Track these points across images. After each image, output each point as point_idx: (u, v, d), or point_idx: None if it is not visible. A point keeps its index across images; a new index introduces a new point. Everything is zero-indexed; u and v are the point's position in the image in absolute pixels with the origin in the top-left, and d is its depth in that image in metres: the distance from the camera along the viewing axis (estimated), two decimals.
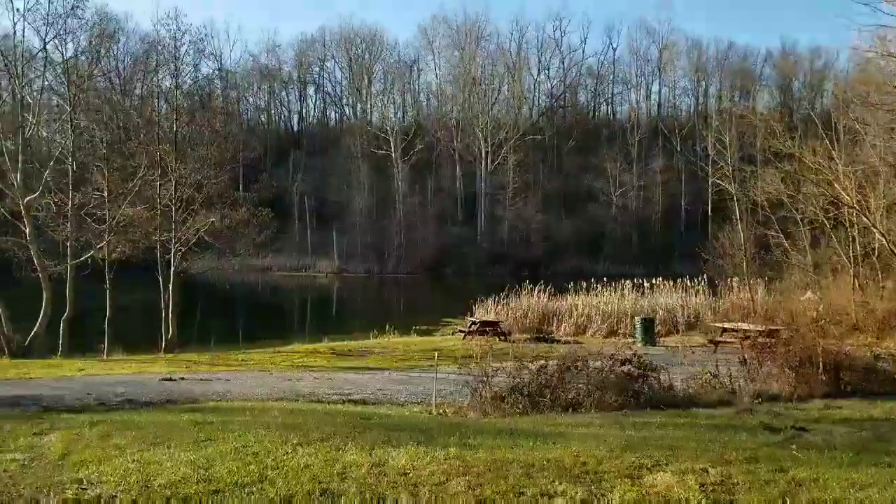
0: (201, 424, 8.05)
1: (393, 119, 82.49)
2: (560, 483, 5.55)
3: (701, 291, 29.40)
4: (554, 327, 27.46)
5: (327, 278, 65.49)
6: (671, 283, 30.15)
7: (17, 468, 6.21)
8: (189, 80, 42.00)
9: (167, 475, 5.78)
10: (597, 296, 29.49)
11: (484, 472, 5.84)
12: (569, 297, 29.82)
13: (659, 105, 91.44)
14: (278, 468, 6.00)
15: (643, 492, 5.36)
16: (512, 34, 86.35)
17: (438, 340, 23.98)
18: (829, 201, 25.58)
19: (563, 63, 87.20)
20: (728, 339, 19.22)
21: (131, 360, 19.06)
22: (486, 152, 75.27)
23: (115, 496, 5.31)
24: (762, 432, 7.53)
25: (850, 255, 24.93)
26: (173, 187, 21.49)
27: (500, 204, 72.86)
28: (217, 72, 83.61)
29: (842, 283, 25.64)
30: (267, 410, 9.66)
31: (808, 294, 23.52)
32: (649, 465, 6.05)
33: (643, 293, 29.38)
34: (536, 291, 30.28)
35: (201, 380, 13.92)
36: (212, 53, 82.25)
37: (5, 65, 21.56)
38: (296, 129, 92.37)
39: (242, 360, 18.82)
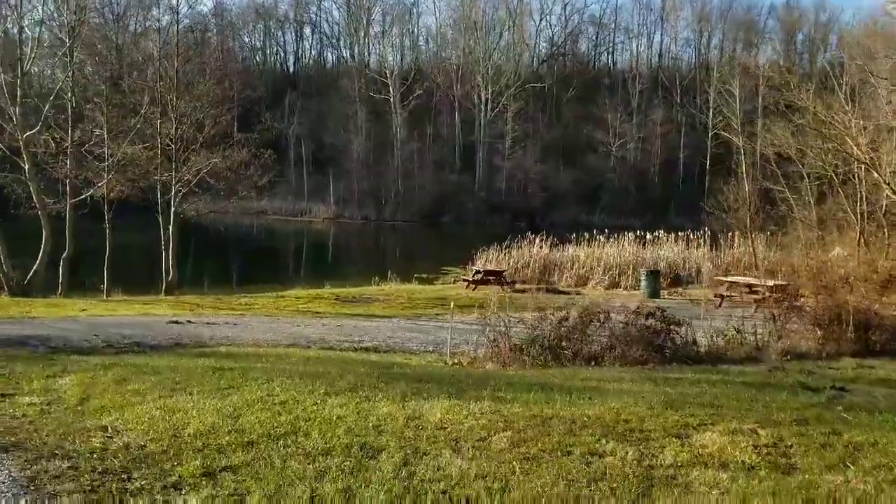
0: (220, 370, 7.80)
1: (391, 63, 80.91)
2: (607, 441, 5.33)
3: (702, 245, 29.32)
4: (556, 278, 27.32)
5: (323, 224, 65.05)
6: (672, 235, 30.01)
7: (35, 413, 5.96)
8: (187, 18, 40.94)
9: (195, 424, 5.53)
10: (598, 247, 29.31)
11: (525, 429, 5.62)
12: (569, 248, 29.64)
13: (660, 56, 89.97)
14: (310, 419, 5.76)
15: (694, 452, 5.15)
16: None
17: (442, 289, 23.81)
18: (838, 157, 25.24)
19: (564, 10, 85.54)
20: (732, 294, 19.06)
21: (133, 301, 18.79)
22: (487, 99, 74.16)
23: (145, 445, 5.06)
24: (802, 392, 7.34)
25: (857, 211, 24.68)
26: (174, 126, 20.90)
27: (499, 153, 72.11)
28: (212, 9, 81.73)
29: (847, 239, 25.48)
30: (283, 357, 9.44)
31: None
32: (695, 425, 5.84)
33: (644, 245, 29.22)
34: (537, 242, 29.97)
35: (208, 323, 13.67)
36: None
37: None
38: (291, 70, 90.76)
39: (247, 304, 18.60)
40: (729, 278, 20.20)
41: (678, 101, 78.22)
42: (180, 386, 6.94)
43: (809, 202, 29.40)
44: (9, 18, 21.38)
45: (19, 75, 20.01)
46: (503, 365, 9.78)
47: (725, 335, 10.46)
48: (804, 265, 14.63)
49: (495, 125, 73.72)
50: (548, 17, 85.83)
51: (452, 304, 12.73)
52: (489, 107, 74.16)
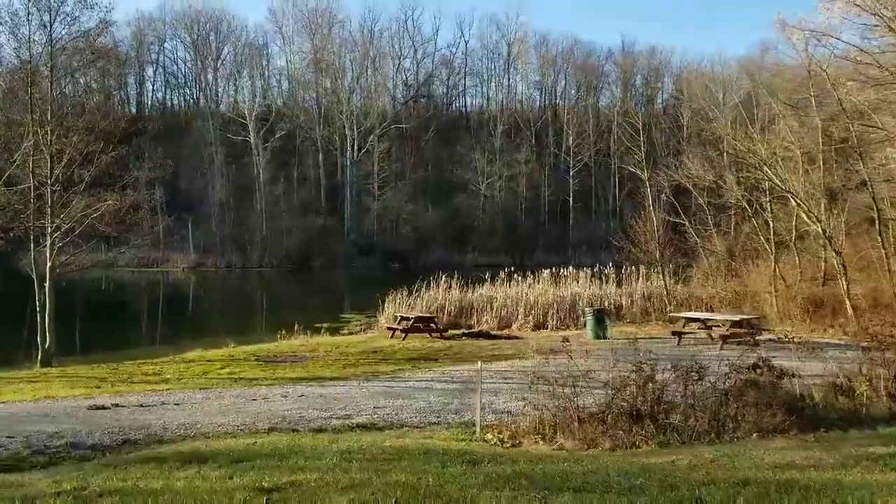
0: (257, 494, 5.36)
1: (246, 104, 77.21)
2: None
3: (607, 281, 28.76)
4: (475, 321, 25.66)
5: (184, 273, 60.09)
6: (578, 271, 29.28)
7: None
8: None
9: None
10: (508, 287, 28.03)
11: None
12: (481, 289, 28.18)
13: (516, 99, 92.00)
14: None
15: None
16: (365, 21, 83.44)
17: (367, 340, 21.46)
18: (749, 187, 25.59)
19: (415, 53, 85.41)
20: (688, 331, 18.20)
21: (7, 378, 15.11)
22: (353, 140, 72.30)
23: None
24: None
25: (771, 241, 24.96)
26: (48, 164, 17.40)
27: (369, 194, 70.35)
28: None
29: (763, 269, 25.72)
30: (311, 456, 7.04)
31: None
32: None
33: (556, 284, 28.26)
34: (443, 283, 28.15)
35: (141, 406, 10.77)
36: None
37: None
38: (136, 112, 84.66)
39: (156, 374, 15.49)
40: (685, 314, 19.35)
41: (532, 141, 79.91)
42: None
43: (712, 233, 29.82)
44: None
45: None
46: (586, 444, 7.64)
47: (826, 385, 9.05)
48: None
49: (363, 166, 71.97)
50: (401, 60, 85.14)
51: (480, 363, 10.59)
52: (356, 147, 72.33)
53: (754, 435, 7.32)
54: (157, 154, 69.27)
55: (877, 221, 22.51)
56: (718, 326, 17.68)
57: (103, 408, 10.43)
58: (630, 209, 79.58)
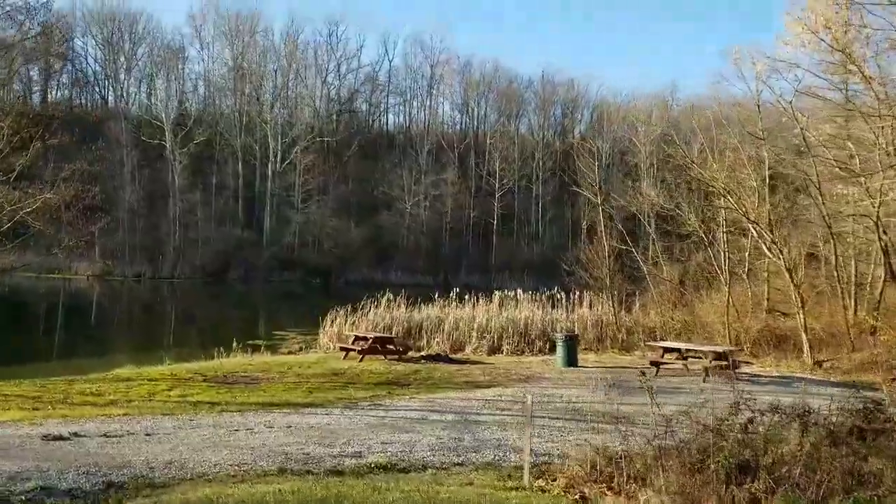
0: None
1: (162, 107, 73.54)
2: None
3: (553, 306, 28.09)
4: (424, 343, 24.39)
5: (89, 282, 56.12)
6: (525, 295, 28.52)
7: None
8: None
9: None
10: (455, 309, 26.96)
11: None
12: (425, 310, 26.97)
13: (439, 120, 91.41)
14: None
15: None
16: (288, 32, 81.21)
17: (319, 360, 19.79)
18: (704, 217, 25.51)
19: (339, 68, 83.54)
20: (669, 360, 17.53)
21: None
22: (277, 151, 69.91)
23: None
24: None
25: (725, 271, 24.84)
26: None
27: (290, 207, 67.99)
28: None
29: (714, 299, 25.58)
30: None
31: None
32: None
33: (503, 306, 27.36)
34: (384, 302, 26.75)
35: (105, 435, 9.02)
36: None
37: None
38: (39, 111, 79.26)
39: (95, 394, 13.53)
40: (663, 343, 18.67)
41: (455, 163, 79.45)
42: None
43: (659, 261, 29.66)
44: None
45: None
46: (669, 499, 6.43)
47: None
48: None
49: (286, 178, 69.61)
50: (326, 74, 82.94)
51: (530, 398, 9.30)
52: (279, 159, 69.96)
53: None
54: (65, 154, 65.46)
55: (833, 256, 22.70)
56: (699, 357, 17.07)
57: (61, 438, 8.66)
58: (554, 234, 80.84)
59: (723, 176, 23.25)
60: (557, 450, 9.16)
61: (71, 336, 32.11)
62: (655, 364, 17.37)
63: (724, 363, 16.49)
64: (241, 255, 63.56)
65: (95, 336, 32.32)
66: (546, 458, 8.75)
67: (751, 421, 6.84)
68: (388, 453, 8.89)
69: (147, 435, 9.16)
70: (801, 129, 22.47)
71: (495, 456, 9.11)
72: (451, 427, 10.79)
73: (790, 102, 22.44)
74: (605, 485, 7.33)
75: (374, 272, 64.93)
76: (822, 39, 20.80)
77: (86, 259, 58.21)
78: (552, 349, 24.40)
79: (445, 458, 8.90)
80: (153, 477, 7.16)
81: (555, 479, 7.73)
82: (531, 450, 9.31)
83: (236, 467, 7.71)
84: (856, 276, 23.98)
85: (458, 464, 8.71)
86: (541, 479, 7.76)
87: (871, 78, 20.39)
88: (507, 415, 12.11)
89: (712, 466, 6.32)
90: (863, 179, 21.68)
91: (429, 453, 9.09)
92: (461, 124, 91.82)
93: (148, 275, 59.26)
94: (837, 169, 23.28)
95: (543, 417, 11.78)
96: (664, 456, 6.84)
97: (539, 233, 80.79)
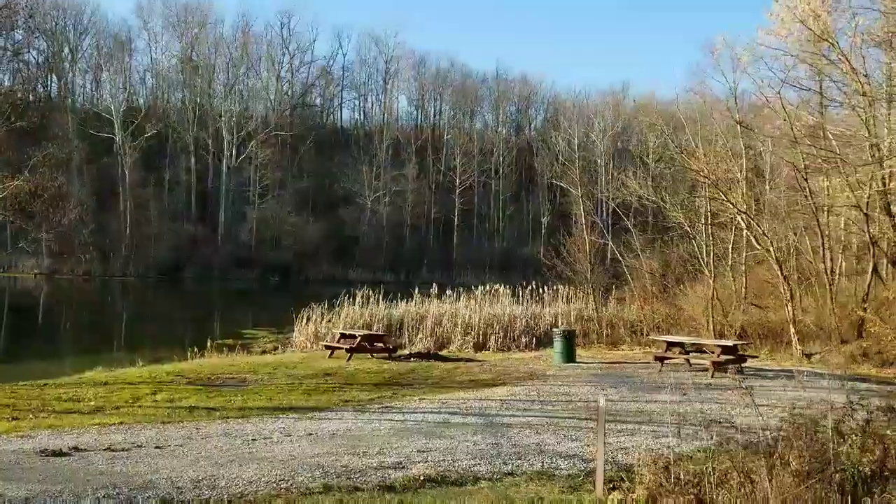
0: None
1: (109, 100, 70.61)
2: None
3: (530, 300, 27.52)
4: (406, 340, 23.51)
5: (35, 280, 53.54)
6: (507, 288, 27.86)
7: None
8: None
9: None
10: (429, 304, 26.19)
11: None
12: (403, 306, 26.13)
13: (395, 115, 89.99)
14: None
15: None
16: (238, 24, 78.74)
17: (304, 360, 18.70)
18: (687, 210, 25.19)
19: (292, 61, 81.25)
20: (673, 356, 16.99)
21: None
22: (233, 145, 67.87)
23: None
24: None
25: (710, 264, 24.53)
26: None
27: (246, 203, 66.07)
28: None
29: (698, 292, 25.26)
30: None
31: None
32: None
33: (485, 301, 26.63)
34: (362, 297, 25.77)
35: (109, 449, 7.95)
36: None
37: None
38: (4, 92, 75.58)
39: (74, 400, 12.33)
40: (665, 338, 18.11)
41: (414, 159, 78.28)
42: None
43: (639, 255, 29.27)
44: None
45: None
46: None
47: None
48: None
49: (241, 173, 67.60)
50: (280, 67, 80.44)
51: (602, 399, 8.51)
52: (234, 153, 67.94)
53: None
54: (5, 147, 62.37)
55: (821, 248, 22.54)
56: (704, 352, 16.59)
57: (61, 453, 7.57)
58: (514, 231, 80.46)
59: (709, 167, 22.95)
60: (608, 456, 8.42)
61: (24, 337, 30.25)
62: (660, 359, 16.81)
63: (732, 357, 16.04)
64: (196, 252, 61.53)
65: (50, 337, 30.54)
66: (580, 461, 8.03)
67: (868, 422, 6.18)
68: (430, 463, 8.02)
69: (157, 448, 8.11)
70: (785, 119, 22.28)
71: (543, 463, 8.32)
72: (482, 431, 9.97)
73: (777, 92, 22.23)
74: (692, 496, 6.59)
75: (333, 269, 63.64)
76: (811, 28, 20.63)
77: (32, 256, 55.61)
78: (538, 345, 23.99)
79: (493, 466, 8.08)
80: (185, 499, 6.18)
81: (632, 490, 6.96)
82: (568, 453, 8.65)
83: (274, 485, 6.77)
84: (843, 267, 23.93)
85: (509, 473, 7.90)
86: (617, 491, 6.98)
87: (856, 70, 20.26)
88: (532, 416, 11.36)
89: (836, 476, 5.63)
90: (850, 171, 21.57)
91: (472, 461, 8.26)
92: (418, 120, 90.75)
93: (97, 272, 56.81)
94: (821, 160, 23.17)
95: (572, 419, 11.07)
96: (769, 461, 6.12)
97: (500, 228, 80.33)
